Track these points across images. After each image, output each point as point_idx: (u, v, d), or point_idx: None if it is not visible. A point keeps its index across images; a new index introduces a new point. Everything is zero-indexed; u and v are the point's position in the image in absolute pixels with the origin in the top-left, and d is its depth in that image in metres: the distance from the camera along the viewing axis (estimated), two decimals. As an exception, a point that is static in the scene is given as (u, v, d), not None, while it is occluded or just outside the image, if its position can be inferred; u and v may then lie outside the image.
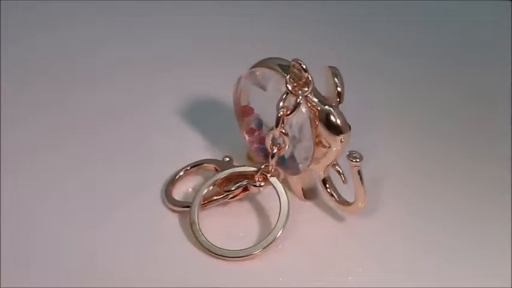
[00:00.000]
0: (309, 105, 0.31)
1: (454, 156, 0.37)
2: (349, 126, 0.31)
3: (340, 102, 0.31)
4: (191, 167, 0.34)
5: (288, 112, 0.31)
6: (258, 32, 0.45)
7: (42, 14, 0.46)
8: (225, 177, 0.33)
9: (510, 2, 0.48)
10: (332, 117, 0.31)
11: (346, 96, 0.40)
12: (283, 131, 0.31)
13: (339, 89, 0.31)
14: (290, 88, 0.31)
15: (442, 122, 0.39)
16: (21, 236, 0.32)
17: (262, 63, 0.33)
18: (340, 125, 0.31)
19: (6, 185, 0.34)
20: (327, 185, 0.33)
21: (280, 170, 0.33)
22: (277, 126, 0.31)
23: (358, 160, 0.30)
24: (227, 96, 0.35)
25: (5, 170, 0.34)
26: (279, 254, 0.31)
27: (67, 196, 0.33)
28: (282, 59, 0.32)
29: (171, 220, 0.33)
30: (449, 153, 0.37)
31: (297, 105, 0.31)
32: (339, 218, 0.33)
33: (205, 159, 0.35)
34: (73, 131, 0.37)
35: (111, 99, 0.39)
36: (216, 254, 0.31)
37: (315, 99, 0.31)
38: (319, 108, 0.31)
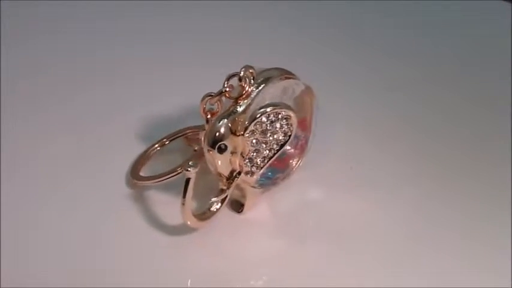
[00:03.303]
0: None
1: (454, 156, 0.37)
2: (217, 148, 0.30)
3: (245, 130, 0.30)
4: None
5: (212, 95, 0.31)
6: (260, 33, 0.45)
7: (42, 15, 0.46)
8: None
9: (510, 2, 0.48)
10: (211, 126, 0.30)
11: (345, 95, 0.40)
12: (206, 112, 0.31)
13: (251, 123, 0.30)
14: (226, 84, 0.31)
15: (442, 122, 0.39)
16: (21, 236, 0.32)
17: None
18: (210, 135, 0.30)
19: (6, 186, 0.34)
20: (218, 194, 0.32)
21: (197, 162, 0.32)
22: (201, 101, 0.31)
23: (189, 169, 0.29)
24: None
25: (5, 170, 0.34)
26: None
27: (67, 196, 0.34)
28: (282, 69, 0.32)
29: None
30: (449, 153, 0.37)
31: (216, 95, 0.31)
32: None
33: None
34: (73, 130, 0.37)
35: (108, 99, 0.39)
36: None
37: (231, 109, 0.31)
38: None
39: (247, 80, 0.30)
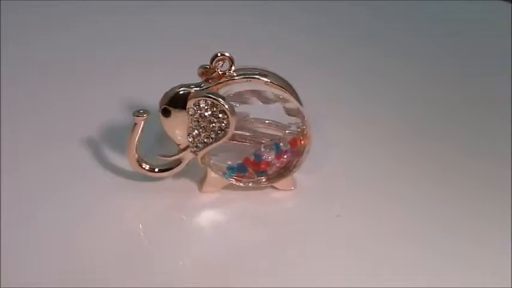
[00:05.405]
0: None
1: (454, 156, 0.37)
2: (162, 110, 0.31)
3: (186, 105, 0.32)
4: None
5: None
6: (264, 32, 0.45)
7: (42, 14, 0.46)
8: None
9: (510, 2, 0.48)
10: (172, 89, 0.32)
11: (346, 95, 0.40)
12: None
13: (190, 100, 0.31)
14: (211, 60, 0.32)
15: (441, 122, 0.39)
16: (20, 236, 0.32)
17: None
18: (162, 97, 0.32)
19: (6, 186, 0.34)
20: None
21: None
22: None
23: (137, 115, 0.32)
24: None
25: (5, 170, 0.34)
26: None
27: (65, 196, 0.34)
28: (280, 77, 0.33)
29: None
30: (449, 153, 0.37)
31: (199, 68, 0.32)
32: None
33: None
34: (73, 130, 0.37)
35: (108, 98, 0.39)
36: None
37: (193, 84, 0.32)
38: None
39: (218, 63, 0.31)
